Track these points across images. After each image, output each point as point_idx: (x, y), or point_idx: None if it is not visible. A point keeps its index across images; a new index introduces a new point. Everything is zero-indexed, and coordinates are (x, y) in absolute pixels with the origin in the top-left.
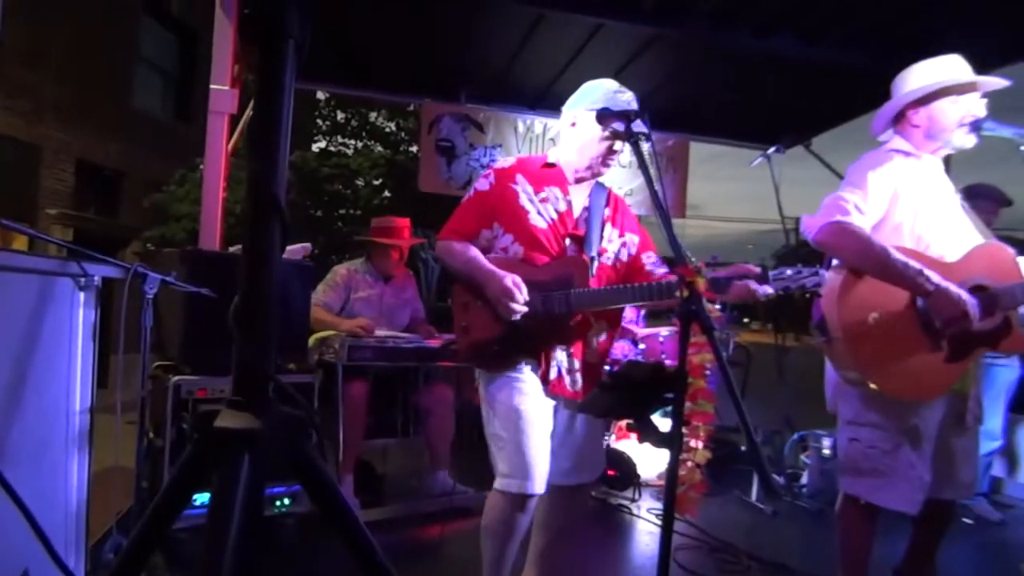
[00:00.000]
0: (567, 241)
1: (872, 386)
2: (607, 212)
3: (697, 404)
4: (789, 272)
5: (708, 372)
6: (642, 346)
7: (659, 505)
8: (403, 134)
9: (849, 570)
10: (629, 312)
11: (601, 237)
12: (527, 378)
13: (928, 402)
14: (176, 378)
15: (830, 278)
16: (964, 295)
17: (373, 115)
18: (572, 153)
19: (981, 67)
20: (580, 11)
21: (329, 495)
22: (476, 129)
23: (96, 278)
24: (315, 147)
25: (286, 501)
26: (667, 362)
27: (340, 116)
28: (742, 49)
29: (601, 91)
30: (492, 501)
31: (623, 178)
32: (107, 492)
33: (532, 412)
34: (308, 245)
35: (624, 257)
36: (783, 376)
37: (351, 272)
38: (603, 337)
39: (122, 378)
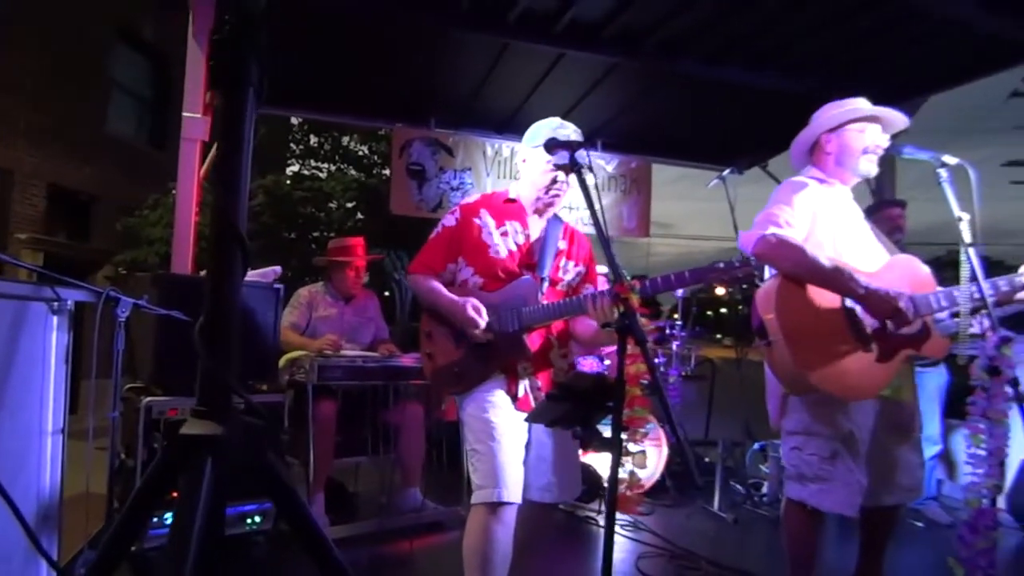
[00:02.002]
0: (523, 271)
1: (812, 382)
2: (562, 244)
3: (634, 411)
4: (721, 265)
5: (644, 383)
6: (607, 362)
7: (626, 517)
8: (376, 157)
9: (797, 573)
10: None
11: (556, 267)
12: (497, 394)
13: (860, 406)
14: (147, 399)
15: (766, 285)
16: (894, 292)
17: (346, 139)
18: (527, 188)
19: (896, 98)
20: (541, 42)
21: (287, 499)
22: (446, 153)
23: (69, 302)
24: (289, 171)
25: (256, 519)
26: None
27: (313, 140)
28: (694, 77)
29: (546, 129)
30: (470, 517)
31: (583, 200)
32: (78, 517)
33: (502, 424)
34: (278, 268)
35: (575, 284)
36: (743, 388)
37: (312, 293)
38: (570, 362)
39: (94, 403)
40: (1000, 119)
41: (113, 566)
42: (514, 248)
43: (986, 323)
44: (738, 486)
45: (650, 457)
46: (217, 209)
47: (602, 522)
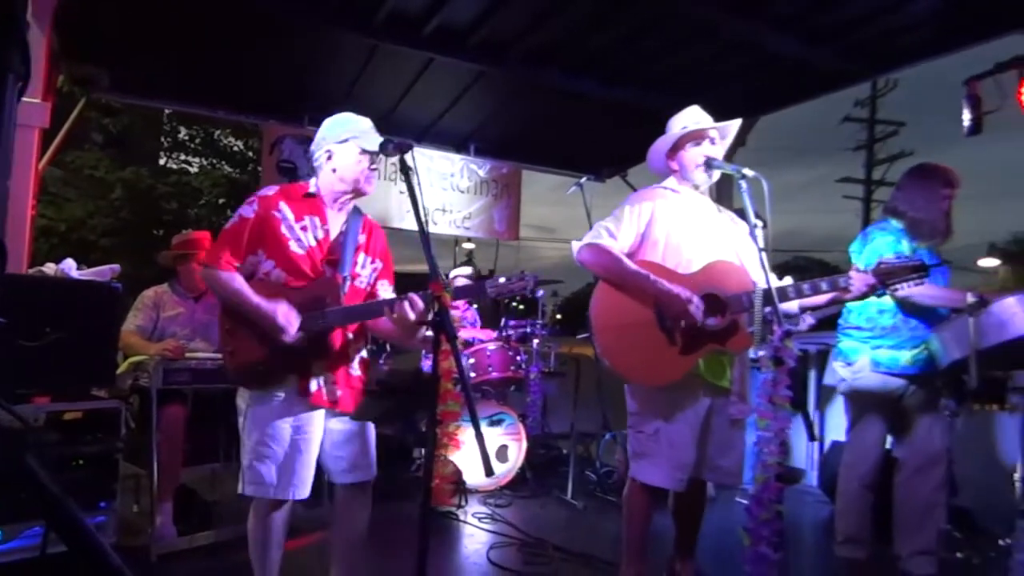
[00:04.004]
0: (325, 266)
1: (614, 371)
2: (361, 239)
3: (447, 405)
4: (502, 280)
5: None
6: (472, 360)
7: (484, 510)
8: (251, 153)
9: (630, 544)
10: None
11: (355, 262)
12: (285, 394)
13: (688, 392)
14: None
15: (597, 289)
16: (685, 295)
17: (217, 133)
18: (332, 182)
19: (734, 116)
20: (409, 46)
21: (53, 506)
22: None
23: None
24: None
25: None
26: (493, 373)
27: (184, 133)
28: (557, 88)
29: (348, 124)
30: (251, 509)
31: (461, 203)
32: None
33: (287, 427)
34: (116, 267)
35: (373, 280)
36: (601, 383)
37: (158, 293)
38: (362, 357)
39: None
40: (835, 140)
41: None
42: (314, 243)
43: (810, 320)
44: (591, 475)
45: (511, 450)
46: None
47: (461, 516)
